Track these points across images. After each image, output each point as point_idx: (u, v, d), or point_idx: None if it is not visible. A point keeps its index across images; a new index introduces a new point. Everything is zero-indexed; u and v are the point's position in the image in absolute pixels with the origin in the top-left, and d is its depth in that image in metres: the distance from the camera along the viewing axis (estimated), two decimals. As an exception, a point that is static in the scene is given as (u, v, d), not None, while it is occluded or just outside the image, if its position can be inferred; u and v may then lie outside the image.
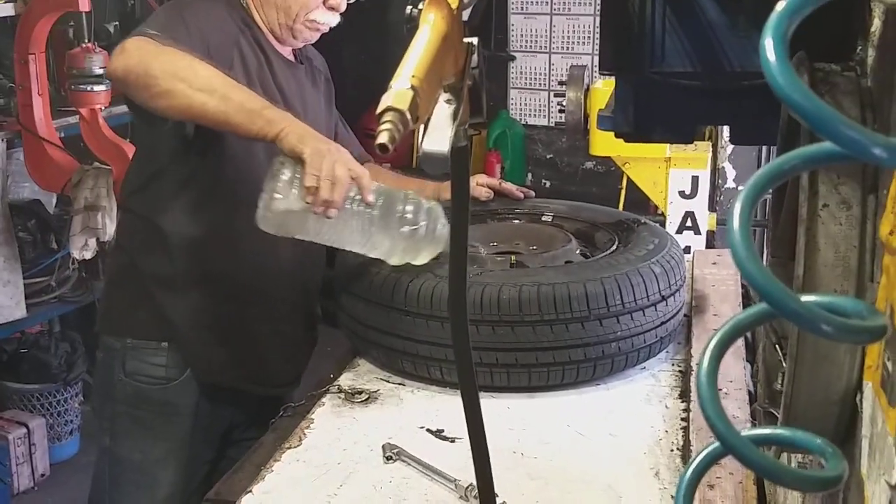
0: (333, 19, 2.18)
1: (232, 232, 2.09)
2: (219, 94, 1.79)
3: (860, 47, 0.91)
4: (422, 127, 0.69)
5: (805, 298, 0.47)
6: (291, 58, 2.24)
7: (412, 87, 0.68)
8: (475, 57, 0.75)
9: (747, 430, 0.55)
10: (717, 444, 0.54)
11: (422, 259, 1.94)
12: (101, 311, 2.32)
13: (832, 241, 0.79)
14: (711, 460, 0.55)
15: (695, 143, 3.19)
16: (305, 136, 1.79)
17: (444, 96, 0.70)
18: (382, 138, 0.67)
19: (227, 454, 2.26)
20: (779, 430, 0.58)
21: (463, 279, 0.80)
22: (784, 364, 1.03)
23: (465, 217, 0.77)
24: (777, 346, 1.06)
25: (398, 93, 0.68)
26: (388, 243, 1.89)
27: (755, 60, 1.11)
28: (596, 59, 5.19)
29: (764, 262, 0.51)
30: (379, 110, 0.66)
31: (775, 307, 0.45)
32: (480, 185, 2.37)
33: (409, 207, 1.89)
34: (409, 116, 0.67)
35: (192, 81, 1.79)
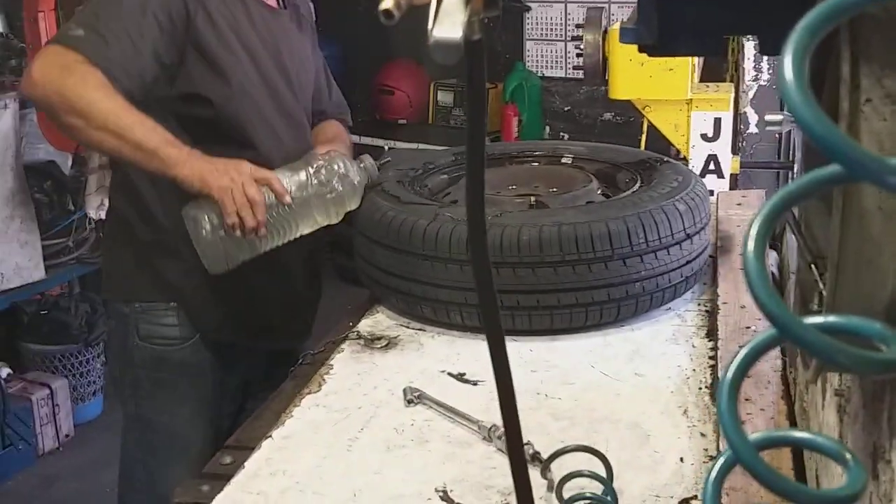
0: None
1: None
2: (115, 134, 1.82)
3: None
4: (431, 16, 0.64)
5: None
6: (274, 3, 2.18)
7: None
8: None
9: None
10: (768, 332, 0.50)
11: (347, 208, 2.01)
12: (104, 276, 2.27)
13: (876, 137, 0.74)
14: (765, 347, 0.51)
15: (717, 84, 3.11)
16: (204, 175, 1.83)
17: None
18: (387, 3, 0.62)
19: (246, 407, 2.24)
20: (832, 318, 0.53)
21: (481, 187, 0.75)
22: (820, 283, 0.98)
23: (482, 122, 0.72)
24: (813, 265, 1.00)
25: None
26: (312, 220, 1.98)
27: (787, -35, 1.05)
28: (614, 6, 5.10)
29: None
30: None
31: (819, 141, 0.40)
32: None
33: (321, 177, 1.96)
34: (417, -16, 0.62)
35: (89, 119, 1.82)
